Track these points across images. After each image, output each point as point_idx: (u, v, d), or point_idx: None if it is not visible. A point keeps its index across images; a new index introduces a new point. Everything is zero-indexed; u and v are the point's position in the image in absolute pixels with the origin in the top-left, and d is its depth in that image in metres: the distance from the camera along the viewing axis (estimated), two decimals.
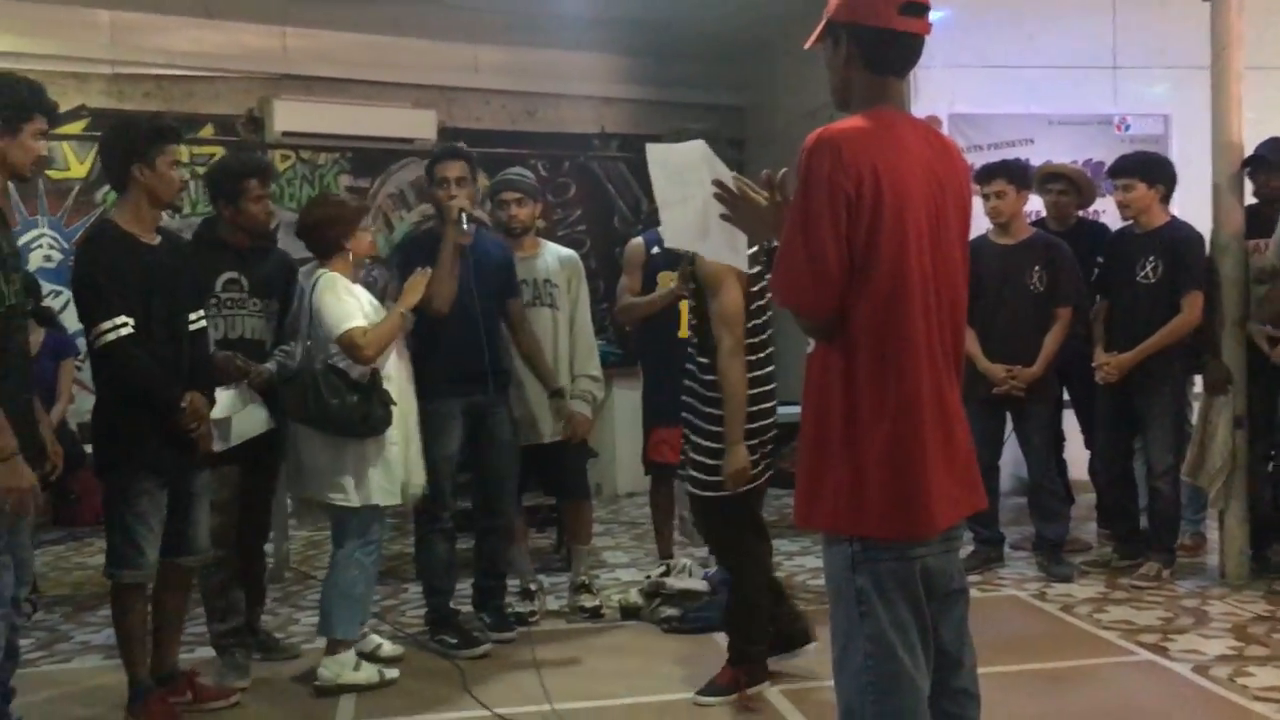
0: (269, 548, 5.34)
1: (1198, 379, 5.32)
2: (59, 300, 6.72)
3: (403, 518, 6.03)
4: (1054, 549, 5.31)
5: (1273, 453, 5.24)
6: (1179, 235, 5.09)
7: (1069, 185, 5.71)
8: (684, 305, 4.86)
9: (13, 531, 3.23)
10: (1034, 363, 5.17)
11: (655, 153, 2.72)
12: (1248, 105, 5.07)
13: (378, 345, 3.92)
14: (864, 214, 2.06)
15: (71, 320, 4.20)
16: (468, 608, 4.65)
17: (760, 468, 3.72)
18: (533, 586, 4.87)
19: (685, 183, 2.58)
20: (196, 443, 3.59)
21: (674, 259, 4.88)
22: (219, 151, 7.52)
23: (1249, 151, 5.06)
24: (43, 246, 7.27)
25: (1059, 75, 7.04)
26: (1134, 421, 5.22)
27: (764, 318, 3.70)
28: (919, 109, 5.73)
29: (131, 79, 7.47)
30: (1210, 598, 4.84)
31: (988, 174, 5.29)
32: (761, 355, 3.71)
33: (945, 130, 5.36)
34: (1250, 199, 5.13)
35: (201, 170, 7.45)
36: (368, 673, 3.98)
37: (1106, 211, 6.30)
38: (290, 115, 7.64)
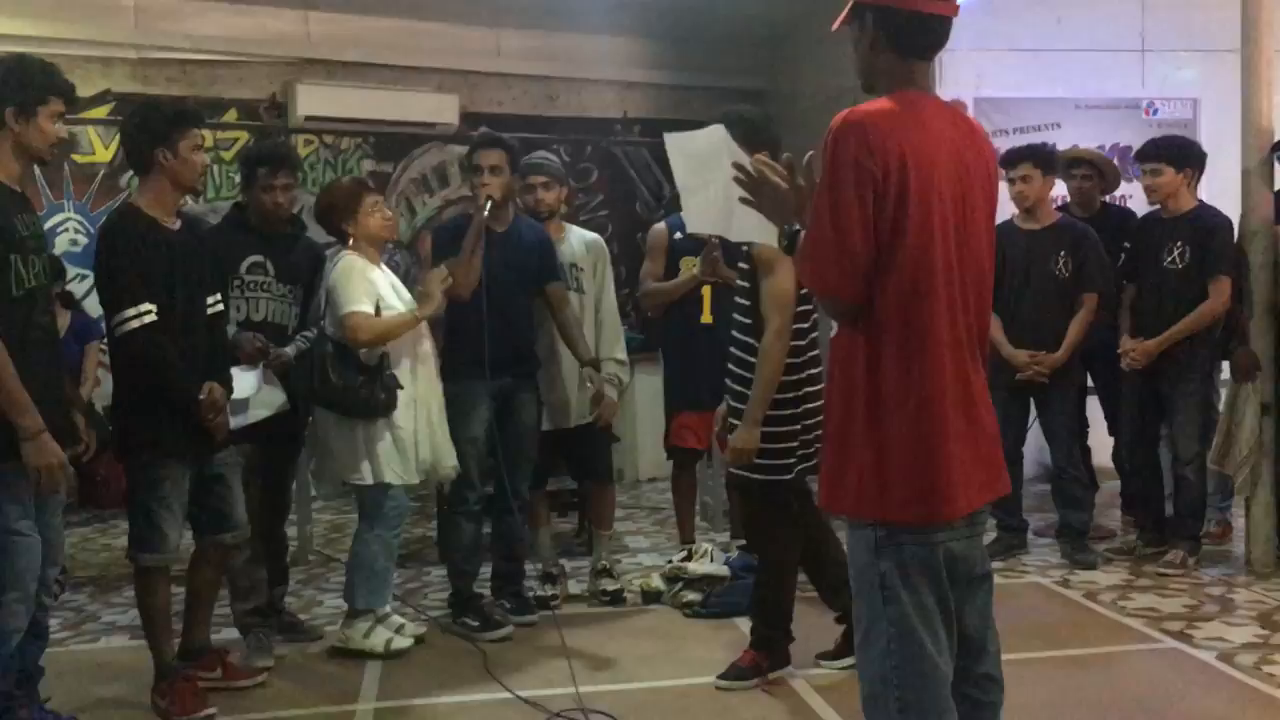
0: (292, 530, 5.39)
1: (1225, 365, 5.27)
2: (84, 284, 6.76)
3: (425, 500, 6.06)
4: (1078, 536, 5.28)
5: None
6: (1207, 220, 5.04)
7: (1093, 170, 5.67)
8: (706, 291, 4.87)
9: (43, 511, 3.27)
10: (1058, 349, 5.14)
11: (674, 141, 2.72)
12: (1278, 89, 5.01)
13: (374, 334, 3.98)
14: (889, 197, 2.05)
15: (96, 304, 4.23)
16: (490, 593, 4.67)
17: (803, 455, 3.71)
18: (554, 571, 4.88)
19: (706, 169, 2.58)
20: (213, 432, 3.60)
21: (697, 244, 4.88)
22: (242, 136, 7.55)
23: (1279, 136, 5.00)
24: (68, 230, 7.31)
25: (1086, 58, 6.98)
26: (1160, 408, 5.19)
27: (811, 304, 3.70)
28: (944, 92, 5.66)
29: (156, 64, 7.49)
30: (1236, 585, 4.82)
31: (1013, 158, 5.25)
32: (806, 341, 3.71)
33: (970, 114, 5.32)
34: None
35: (225, 155, 7.52)
36: (377, 639, 4.10)
37: (1133, 196, 6.25)
38: (313, 100, 7.65)
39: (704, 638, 4.30)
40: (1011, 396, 5.11)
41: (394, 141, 8.10)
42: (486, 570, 4.71)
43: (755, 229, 2.61)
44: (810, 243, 2.12)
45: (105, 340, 4.83)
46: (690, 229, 2.63)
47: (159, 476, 3.53)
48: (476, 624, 4.36)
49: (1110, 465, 5.87)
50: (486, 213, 4.31)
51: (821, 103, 7.37)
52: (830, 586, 3.90)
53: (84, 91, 7.20)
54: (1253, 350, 4.96)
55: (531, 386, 4.57)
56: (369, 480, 4.05)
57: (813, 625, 4.30)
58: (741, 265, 3.74)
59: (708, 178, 2.59)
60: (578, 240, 4.88)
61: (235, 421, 3.82)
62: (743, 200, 2.35)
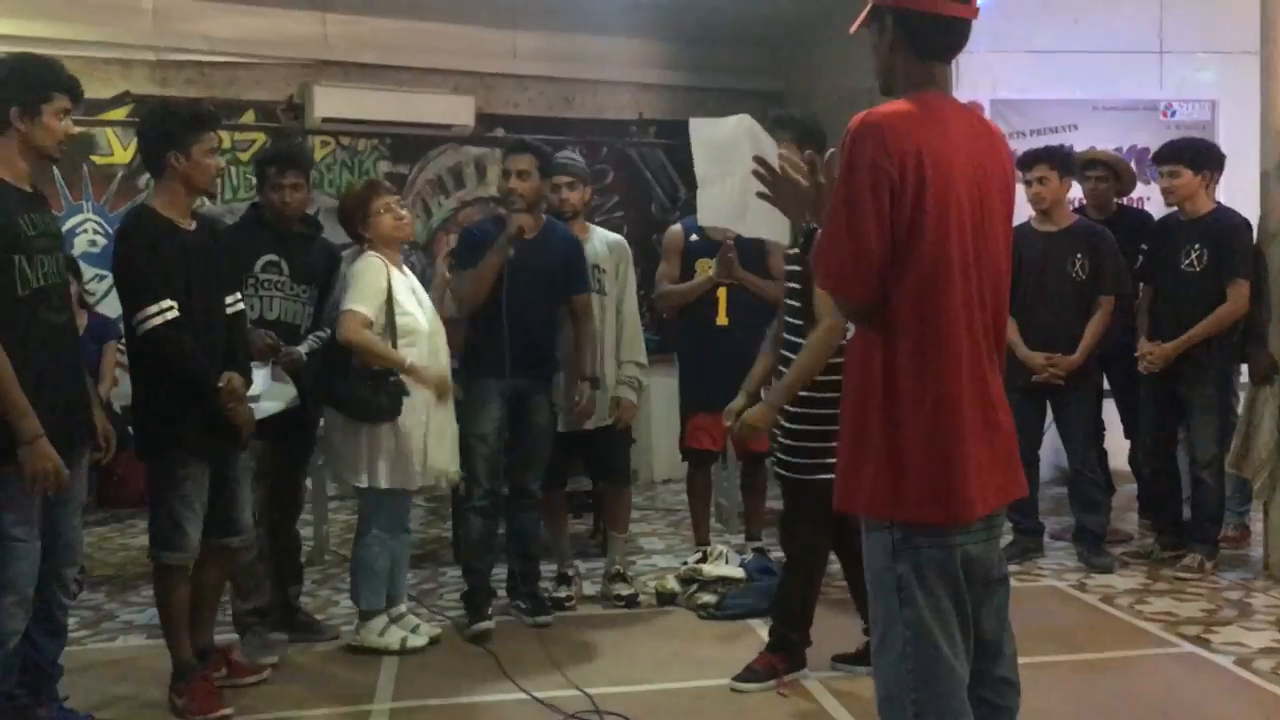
0: (309, 531, 5.41)
1: (1244, 368, 5.24)
2: (103, 284, 6.80)
3: (441, 501, 6.07)
4: (1094, 539, 5.26)
5: None
6: (1225, 223, 5.02)
7: (1108, 172, 5.64)
8: (722, 292, 4.88)
9: (61, 511, 3.29)
10: (1074, 351, 5.12)
11: (699, 127, 2.67)
12: None
13: (359, 341, 4.00)
14: (906, 198, 2.05)
15: (115, 305, 4.27)
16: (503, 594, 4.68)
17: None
18: (569, 572, 4.88)
19: (727, 159, 2.54)
20: (239, 426, 3.62)
21: (712, 246, 4.89)
22: (260, 138, 7.58)
23: None
24: (87, 231, 7.36)
25: (1104, 60, 6.95)
26: (1178, 411, 5.16)
27: None
28: (961, 94, 5.62)
29: (175, 65, 7.54)
30: (1254, 590, 4.79)
31: (1030, 160, 5.23)
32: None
33: (987, 116, 5.31)
34: None
35: (242, 156, 7.56)
36: (392, 637, 4.16)
37: (1151, 199, 6.23)
38: (330, 101, 7.68)
39: (719, 639, 4.29)
40: (1027, 399, 5.09)
41: (410, 143, 8.13)
42: (502, 570, 4.73)
43: (768, 225, 2.59)
44: (826, 241, 2.12)
45: (123, 340, 4.87)
46: (702, 221, 2.59)
47: (181, 475, 3.54)
48: (468, 615, 4.42)
49: (1127, 469, 5.84)
50: (512, 222, 4.32)
51: (837, 104, 7.35)
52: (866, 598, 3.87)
53: (102, 93, 7.32)
54: (1271, 353, 4.93)
55: (546, 389, 4.57)
56: (365, 483, 4.11)
57: (830, 628, 4.30)
58: (791, 266, 3.69)
59: (726, 169, 2.56)
60: (600, 241, 4.87)
61: None
62: (760, 195, 2.34)
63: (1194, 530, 5.16)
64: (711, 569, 4.71)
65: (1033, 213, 5.27)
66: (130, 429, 3.83)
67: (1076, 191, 5.66)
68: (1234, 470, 5.07)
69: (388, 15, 7.89)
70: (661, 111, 8.60)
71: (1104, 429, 5.75)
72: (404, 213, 4.26)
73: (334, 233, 4.53)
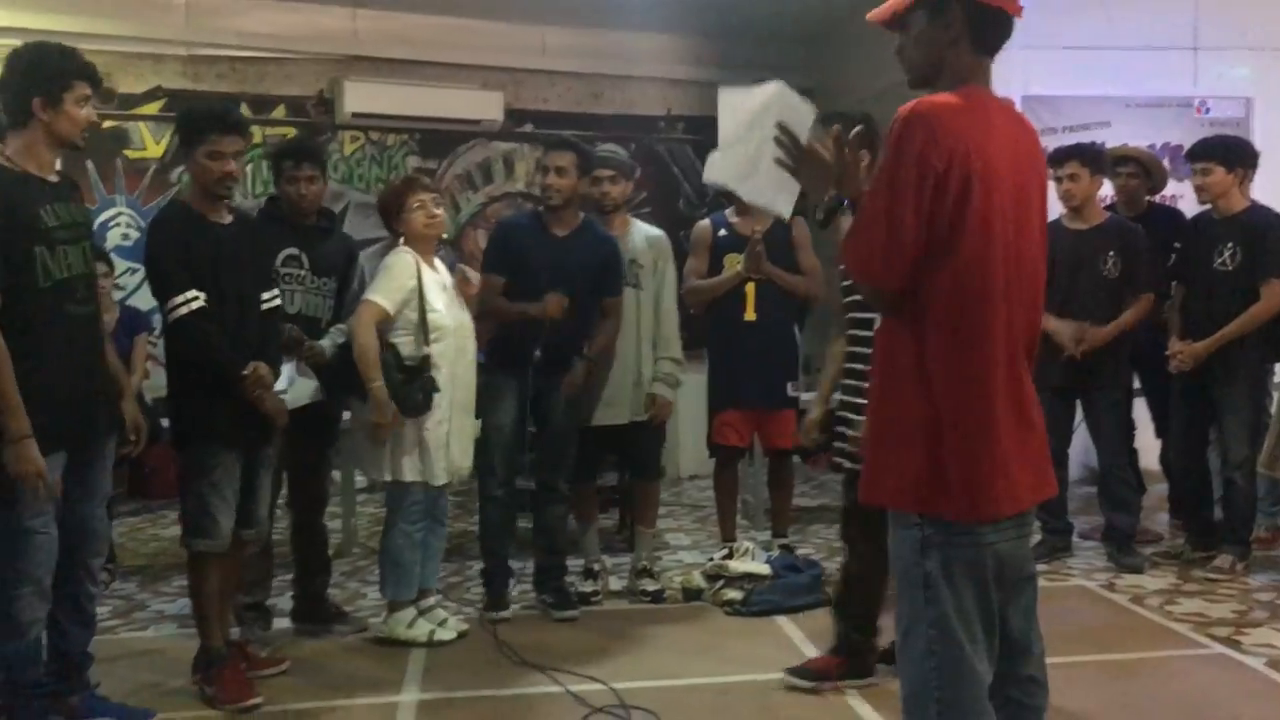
0: (337, 524, 5.44)
1: (1277, 368, 5.19)
2: (135, 277, 6.87)
3: (468, 496, 6.10)
4: (1124, 539, 5.22)
5: None
6: (1259, 221, 4.97)
7: (1139, 169, 5.58)
8: (750, 288, 4.87)
9: (89, 502, 3.32)
10: (1107, 351, 5.06)
11: (728, 96, 2.60)
12: None
13: (362, 337, 4.01)
14: (950, 192, 2.03)
15: (147, 298, 4.32)
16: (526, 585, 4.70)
17: None
18: (596, 566, 4.89)
19: (750, 127, 2.48)
20: (269, 415, 3.64)
21: (740, 241, 4.88)
22: (290, 133, 7.63)
23: None
24: (120, 225, 7.42)
25: (1137, 56, 6.88)
26: (1209, 411, 5.12)
27: None
28: (993, 90, 5.64)
29: (206, 60, 7.59)
30: None
31: (1061, 157, 5.18)
32: None
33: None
34: None
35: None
36: (419, 630, 4.19)
37: (1184, 196, 6.16)
38: (360, 96, 7.71)
39: (744, 636, 4.30)
40: (1057, 397, 5.04)
41: (439, 138, 8.15)
42: (525, 563, 4.75)
43: (771, 195, 2.50)
44: (862, 228, 2.10)
45: (154, 333, 4.93)
46: (705, 177, 2.51)
47: (212, 463, 3.57)
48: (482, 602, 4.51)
49: (1157, 468, 5.80)
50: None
51: (867, 99, 7.32)
52: None
53: (135, 88, 7.38)
54: None
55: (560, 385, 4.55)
56: (387, 477, 4.15)
57: None
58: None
59: (747, 136, 2.50)
60: (640, 236, 4.84)
61: None
62: (777, 161, 2.28)
63: (1225, 531, 5.11)
64: (738, 565, 4.71)
65: (1063, 210, 5.23)
66: (163, 420, 3.86)
67: (1108, 189, 5.62)
68: (1266, 471, 5.01)
69: (418, 10, 7.91)
70: (690, 107, 8.57)
71: (1134, 428, 5.71)
72: (437, 210, 4.26)
73: (362, 227, 4.56)
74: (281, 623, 4.41)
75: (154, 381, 6.05)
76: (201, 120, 3.65)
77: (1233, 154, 5.03)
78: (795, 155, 2.25)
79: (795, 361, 5.05)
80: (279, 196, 4.34)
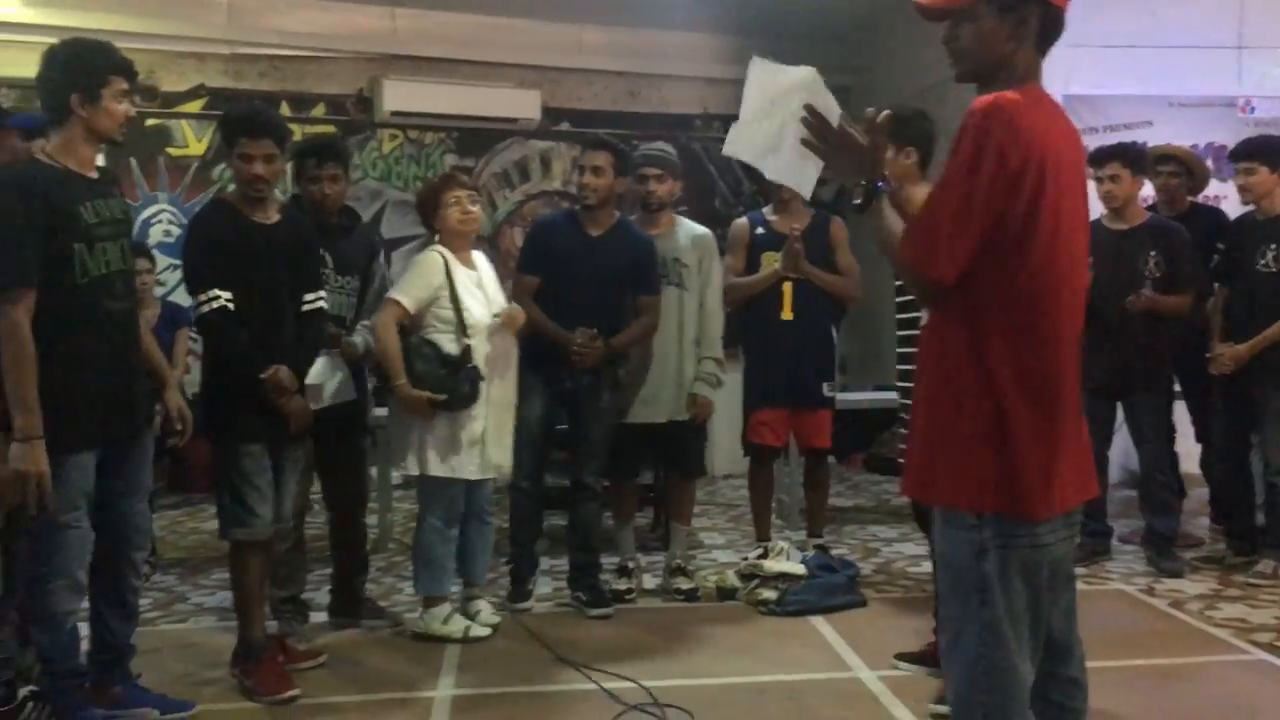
0: (373, 519, 5.48)
1: None
2: (176, 274, 6.94)
3: (502, 492, 6.11)
4: (1164, 542, 5.17)
5: None
6: None
7: (1180, 168, 5.52)
8: (787, 286, 4.86)
9: (130, 497, 3.37)
10: (1148, 353, 5.01)
11: (760, 67, 2.51)
12: None
13: (383, 334, 4.07)
14: (1023, 191, 2.01)
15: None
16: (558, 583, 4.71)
17: None
18: (630, 564, 4.90)
19: (774, 104, 2.43)
20: (289, 418, 3.65)
21: (778, 239, 4.87)
22: (330, 130, 7.69)
23: None
24: (162, 221, 7.52)
25: (1180, 55, 6.80)
26: (1251, 414, 5.05)
27: None
28: None
29: (248, 59, 7.68)
30: None
31: (1103, 157, 5.13)
32: None
33: None
34: None
35: None
36: (455, 625, 4.22)
37: (1227, 197, 6.08)
38: (398, 95, 7.78)
39: (779, 636, 4.29)
40: (1098, 399, 4.98)
41: (477, 136, 8.20)
42: (562, 560, 4.77)
43: (792, 174, 2.44)
44: (928, 216, 2.05)
45: (195, 328, 4.99)
46: (725, 150, 2.44)
47: (241, 454, 3.60)
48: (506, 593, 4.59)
49: (1198, 472, 5.73)
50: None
51: (907, 98, 7.29)
52: None
53: (178, 86, 7.48)
54: None
55: (599, 385, 4.55)
56: (414, 471, 4.17)
57: (889, 627, 4.29)
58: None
59: (769, 112, 2.45)
60: (686, 235, 4.81)
61: (311, 406, 3.92)
62: (804, 142, 2.21)
63: (1267, 536, 5.05)
64: (772, 565, 4.70)
65: (1104, 210, 5.18)
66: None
67: (1149, 189, 5.55)
68: None
69: (456, 10, 7.96)
70: (726, 106, 8.56)
71: (1175, 431, 5.64)
72: (471, 208, 4.26)
73: (399, 225, 4.59)
74: (318, 617, 4.45)
75: (194, 376, 6.12)
76: (233, 123, 3.72)
77: (1277, 154, 4.96)
78: (824, 137, 2.19)
79: (832, 361, 5.03)
80: (301, 195, 4.32)
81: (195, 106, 7.54)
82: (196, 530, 6.27)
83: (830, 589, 4.60)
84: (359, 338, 4.25)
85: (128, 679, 3.50)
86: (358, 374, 4.29)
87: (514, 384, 4.31)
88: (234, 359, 3.61)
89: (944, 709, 3.58)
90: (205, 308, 3.56)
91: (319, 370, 4.03)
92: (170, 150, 7.54)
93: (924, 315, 2.23)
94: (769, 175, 2.80)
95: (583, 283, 4.42)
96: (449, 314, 4.13)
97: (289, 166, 4.15)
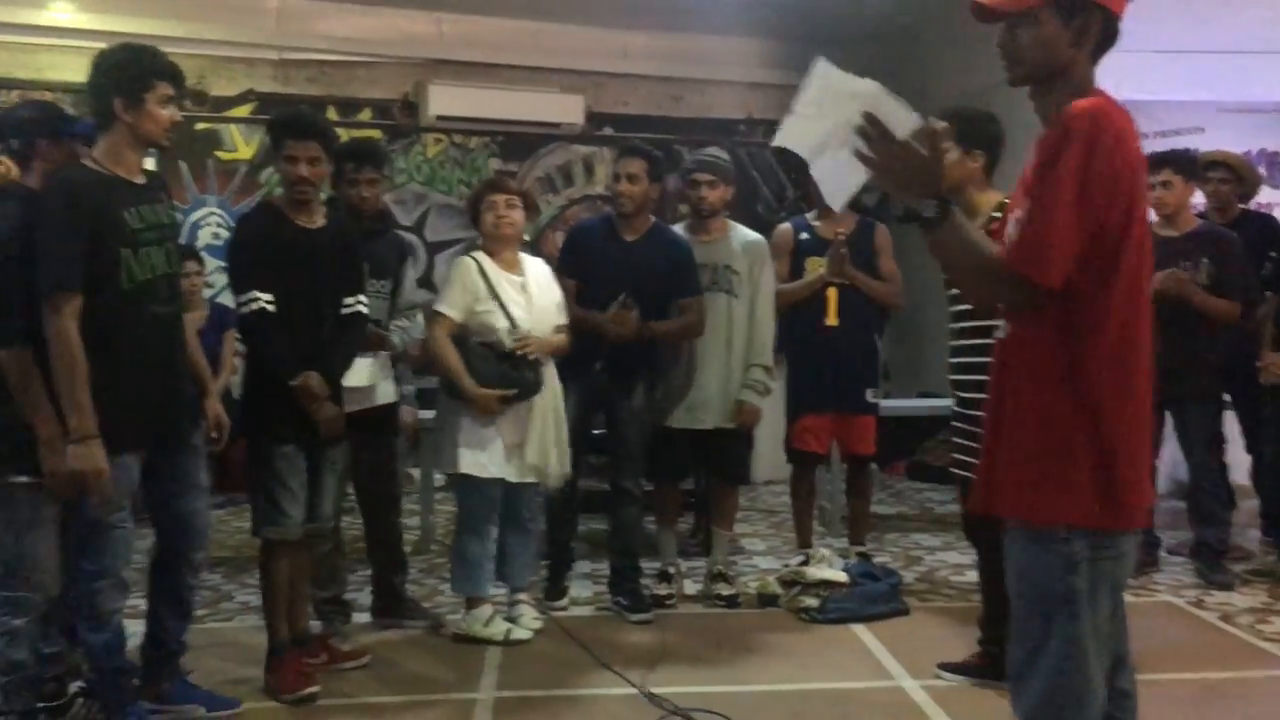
0: (415, 520, 5.51)
1: None
2: (224, 276, 7.01)
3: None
4: (1214, 554, 5.08)
5: None
6: None
7: (1230, 174, 5.43)
8: (832, 292, 4.84)
9: (186, 497, 3.40)
10: (1199, 363, 4.93)
11: (826, 70, 2.46)
12: None
13: (437, 345, 4.13)
14: (1121, 196, 2.00)
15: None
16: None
17: None
18: (671, 570, 4.89)
19: (831, 106, 2.38)
20: (322, 425, 3.63)
21: (822, 245, 4.85)
22: (376, 135, 7.76)
23: None
24: (210, 224, 7.62)
25: (1231, 60, 6.71)
26: None
27: None
28: None
29: (296, 64, 7.76)
30: None
31: (1154, 163, 5.05)
32: None
33: None
34: None
35: None
36: (496, 628, 4.23)
37: (1279, 205, 6.00)
38: (444, 99, 7.84)
39: (820, 643, 4.27)
40: None
41: (521, 141, 8.25)
42: (603, 564, 4.78)
43: (835, 178, 2.38)
44: (1034, 222, 2.01)
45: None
46: (777, 140, 2.38)
47: (275, 454, 3.61)
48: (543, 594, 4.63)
49: (1248, 483, 5.64)
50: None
51: (951, 104, 7.24)
52: (1000, 616, 3.74)
53: (227, 91, 7.57)
54: None
55: (634, 389, 4.56)
56: (449, 469, 4.22)
57: (932, 636, 4.25)
58: None
59: (823, 114, 2.41)
60: (738, 241, 4.78)
61: (362, 405, 4.00)
62: (859, 155, 2.12)
63: None
64: (814, 572, 4.67)
65: (1154, 217, 5.12)
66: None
67: (1200, 196, 5.48)
68: None
69: (501, 15, 8.01)
70: (770, 111, 8.54)
71: (1225, 441, 5.56)
72: (507, 212, 4.23)
73: (443, 229, 4.62)
74: (362, 618, 4.48)
75: (239, 379, 6.20)
76: (279, 126, 3.77)
77: None
78: (882, 150, 2.10)
79: (875, 368, 5.00)
80: (337, 198, 4.31)
81: (244, 111, 7.64)
82: (241, 530, 6.31)
83: (872, 597, 4.57)
84: (396, 337, 4.32)
85: (177, 675, 3.54)
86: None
87: (558, 389, 4.32)
88: (268, 361, 3.64)
89: (950, 676, 3.60)
90: (245, 309, 3.60)
91: (368, 372, 4.06)
92: (219, 154, 7.64)
93: (1002, 328, 2.18)
94: (814, 173, 2.76)
95: (618, 287, 4.42)
96: (491, 317, 4.15)
97: None
